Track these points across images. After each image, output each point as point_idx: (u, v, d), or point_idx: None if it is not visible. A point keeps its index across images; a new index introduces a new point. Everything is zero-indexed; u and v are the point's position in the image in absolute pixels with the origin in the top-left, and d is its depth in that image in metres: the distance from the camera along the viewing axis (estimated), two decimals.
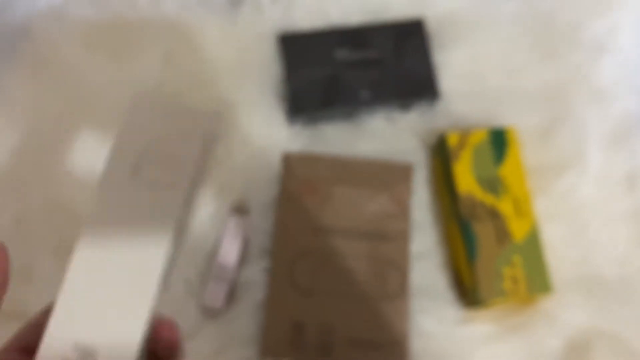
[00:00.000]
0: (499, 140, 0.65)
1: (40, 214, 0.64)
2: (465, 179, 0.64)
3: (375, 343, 0.62)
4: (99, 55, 0.69)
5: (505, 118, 0.69)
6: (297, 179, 0.67)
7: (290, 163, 0.68)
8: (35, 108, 0.67)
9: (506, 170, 0.64)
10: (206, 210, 0.65)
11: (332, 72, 0.69)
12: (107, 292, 0.24)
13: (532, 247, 0.62)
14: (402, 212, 0.67)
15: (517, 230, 0.62)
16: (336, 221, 0.66)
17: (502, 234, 0.62)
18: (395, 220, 0.66)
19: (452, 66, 0.72)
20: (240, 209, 0.67)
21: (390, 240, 0.66)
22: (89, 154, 0.66)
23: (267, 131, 0.68)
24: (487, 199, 0.63)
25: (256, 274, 0.65)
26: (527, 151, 0.69)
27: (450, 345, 0.63)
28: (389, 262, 0.65)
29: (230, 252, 0.64)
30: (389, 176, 0.68)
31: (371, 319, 0.63)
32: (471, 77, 0.72)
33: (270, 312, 0.63)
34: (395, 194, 0.67)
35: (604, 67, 0.72)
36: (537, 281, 0.61)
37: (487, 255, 0.61)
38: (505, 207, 0.63)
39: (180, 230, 0.25)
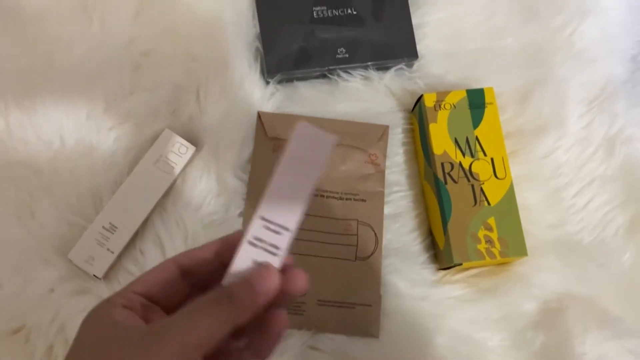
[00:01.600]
0: (477, 101, 0.64)
1: (2, 172, 0.62)
2: (441, 140, 0.62)
3: (347, 303, 0.61)
4: (67, 8, 0.66)
5: (484, 80, 0.68)
6: (271, 138, 0.65)
7: (265, 122, 0.66)
8: None
9: (484, 130, 0.63)
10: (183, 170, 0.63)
11: (309, 30, 0.67)
12: None
13: (508, 209, 0.61)
14: (377, 173, 0.66)
15: (493, 192, 0.61)
16: None
17: (478, 196, 0.61)
18: (370, 181, 0.65)
19: (430, 27, 0.70)
20: None
21: (364, 201, 0.64)
22: (56, 111, 0.63)
23: (242, 89, 0.66)
24: (464, 160, 0.62)
25: None
26: (506, 114, 0.67)
27: (424, 306, 0.62)
28: (362, 223, 0.64)
29: None
30: (365, 137, 0.66)
31: (343, 279, 0.62)
32: (450, 39, 0.70)
33: None
34: (370, 155, 0.66)
35: (586, 29, 0.70)
36: (512, 244, 0.60)
37: (461, 217, 0.60)
38: (481, 168, 0.62)
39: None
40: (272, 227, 0.34)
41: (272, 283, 0.31)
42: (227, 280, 0.33)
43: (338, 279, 0.62)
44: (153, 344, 0.29)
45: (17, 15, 0.66)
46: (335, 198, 0.64)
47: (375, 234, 0.63)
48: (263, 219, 0.34)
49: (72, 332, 0.57)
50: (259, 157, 0.65)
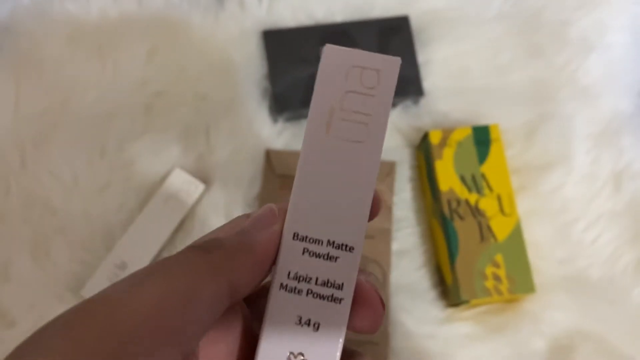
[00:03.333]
0: (482, 138, 0.64)
1: (18, 211, 0.63)
2: (447, 177, 0.63)
3: (354, 341, 0.61)
4: (82, 52, 0.69)
5: (490, 116, 0.69)
6: (279, 175, 0.67)
7: (273, 159, 0.67)
8: (16, 105, 0.67)
9: (489, 167, 0.63)
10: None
11: (316, 69, 0.69)
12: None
13: (515, 246, 0.61)
14: (384, 209, 0.66)
15: (500, 228, 0.61)
16: None
17: (485, 232, 0.61)
18: (377, 218, 0.66)
19: (436, 64, 0.71)
20: None
21: (371, 238, 0.65)
22: (70, 152, 0.65)
23: (250, 128, 0.68)
24: (470, 196, 0.62)
25: None
26: (512, 150, 0.68)
27: (432, 344, 0.62)
28: (370, 260, 0.64)
29: None
30: None
31: None
32: (456, 75, 0.71)
33: None
34: (377, 192, 0.66)
35: (591, 65, 0.71)
36: (519, 281, 0.60)
37: (468, 254, 0.61)
38: (488, 205, 0.62)
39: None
40: (320, 250, 0.22)
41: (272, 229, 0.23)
42: None
43: None
44: None
45: (37, 62, 0.68)
46: None
47: (382, 271, 0.64)
48: (300, 238, 0.23)
49: None
50: (267, 194, 0.66)
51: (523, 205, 0.65)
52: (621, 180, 0.67)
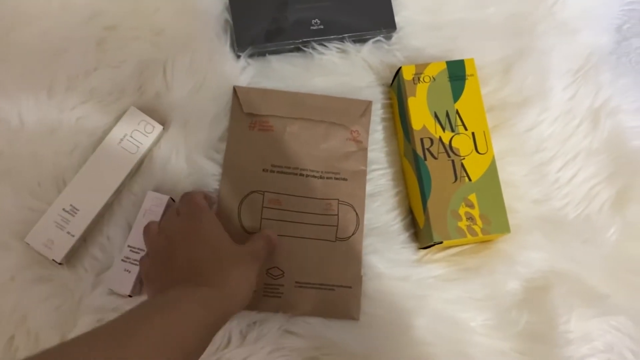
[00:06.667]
0: (457, 72, 0.61)
1: None
2: (420, 114, 0.60)
3: (326, 285, 0.59)
4: None
5: (465, 52, 0.65)
6: (247, 114, 0.62)
7: (240, 97, 0.63)
8: None
9: (464, 104, 0.60)
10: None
11: (281, 0, 0.64)
12: None
13: (490, 185, 0.59)
14: (359, 150, 0.63)
15: (474, 167, 0.59)
16: (288, 159, 0.62)
17: (459, 172, 0.59)
18: (351, 159, 0.62)
19: None
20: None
21: (345, 180, 0.62)
22: (15, 91, 0.60)
23: (211, 64, 0.63)
24: (444, 135, 0.60)
25: None
26: (488, 87, 0.65)
27: (404, 287, 0.60)
28: (343, 203, 0.61)
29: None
30: (347, 113, 0.63)
31: (323, 260, 0.59)
32: (430, 9, 0.68)
33: None
34: (352, 132, 0.63)
35: None
36: (494, 221, 0.58)
37: (441, 194, 0.58)
38: (462, 143, 0.59)
39: None
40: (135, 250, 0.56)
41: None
42: None
43: (317, 260, 0.59)
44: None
45: None
46: (316, 177, 0.61)
47: (356, 214, 0.61)
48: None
49: (34, 322, 0.55)
50: (235, 133, 0.62)
51: (498, 145, 0.62)
52: (599, 117, 0.65)
